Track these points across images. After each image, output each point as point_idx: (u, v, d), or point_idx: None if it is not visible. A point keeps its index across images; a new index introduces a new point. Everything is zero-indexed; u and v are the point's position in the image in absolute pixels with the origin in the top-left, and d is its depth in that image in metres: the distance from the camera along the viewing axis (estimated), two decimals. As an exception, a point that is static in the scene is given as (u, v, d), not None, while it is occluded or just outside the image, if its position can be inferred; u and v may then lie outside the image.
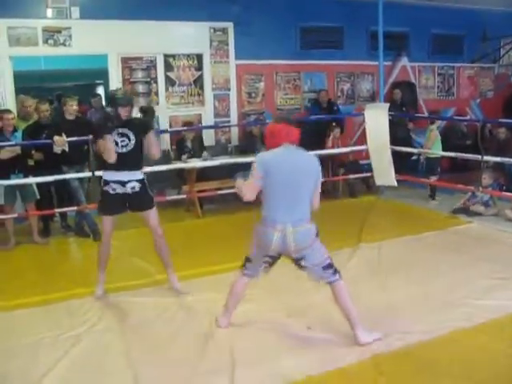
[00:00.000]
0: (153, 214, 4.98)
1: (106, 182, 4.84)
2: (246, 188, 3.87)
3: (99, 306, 4.82)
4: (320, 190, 3.98)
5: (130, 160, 4.81)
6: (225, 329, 4.20)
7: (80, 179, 7.05)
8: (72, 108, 6.91)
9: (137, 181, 4.84)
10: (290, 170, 3.78)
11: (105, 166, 4.85)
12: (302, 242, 3.79)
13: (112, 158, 4.73)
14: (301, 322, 4.25)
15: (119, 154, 4.76)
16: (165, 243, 5.04)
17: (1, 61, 8.00)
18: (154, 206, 4.99)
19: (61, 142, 6.59)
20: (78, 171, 6.98)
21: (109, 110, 4.83)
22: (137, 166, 4.88)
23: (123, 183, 4.79)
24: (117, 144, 4.76)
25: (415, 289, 4.90)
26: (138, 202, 4.90)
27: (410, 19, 10.29)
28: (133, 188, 4.82)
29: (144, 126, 4.93)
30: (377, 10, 8.38)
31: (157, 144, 5.10)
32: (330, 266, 3.90)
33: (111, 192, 4.81)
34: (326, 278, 3.91)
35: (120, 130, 4.78)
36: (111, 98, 4.92)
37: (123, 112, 4.79)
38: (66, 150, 6.69)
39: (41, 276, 5.72)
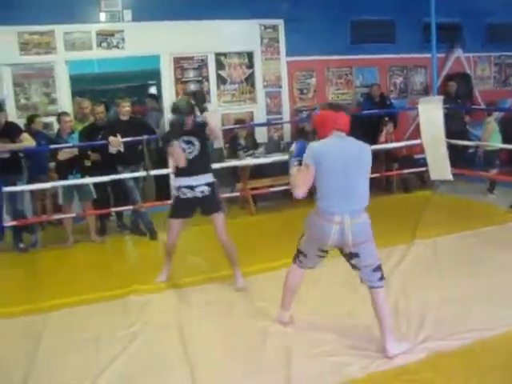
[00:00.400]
0: (219, 218, 5.09)
1: (178, 188, 5.04)
2: (299, 180, 3.76)
3: (156, 302, 4.90)
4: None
5: (198, 165, 4.98)
6: (285, 324, 4.18)
7: (135, 179, 7.16)
8: (124, 109, 7.02)
9: (206, 184, 5.01)
10: (342, 157, 3.64)
11: (176, 172, 5.08)
12: (360, 236, 3.67)
13: (182, 163, 4.95)
14: (360, 320, 4.21)
15: (187, 161, 4.95)
16: (232, 247, 5.13)
17: (57, 65, 8.23)
18: (221, 209, 5.11)
19: (116, 143, 6.72)
20: (133, 171, 7.09)
21: (174, 117, 4.94)
22: (205, 170, 5.05)
23: (192, 188, 4.97)
24: (184, 151, 4.95)
25: (473, 286, 4.77)
26: (206, 205, 5.07)
27: (463, 9, 10.03)
28: (202, 192, 4.99)
29: (203, 125, 4.99)
30: (429, 1, 8.22)
31: (216, 127, 5.12)
32: (379, 268, 3.78)
33: (182, 197, 5.01)
34: (372, 281, 3.76)
35: (185, 138, 4.95)
36: (175, 109, 4.98)
37: (188, 120, 4.92)
38: (122, 150, 6.81)
39: (98, 274, 5.85)
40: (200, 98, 5.23)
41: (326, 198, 3.70)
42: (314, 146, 3.75)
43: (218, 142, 5.14)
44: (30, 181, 7.39)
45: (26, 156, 7.28)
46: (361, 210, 3.70)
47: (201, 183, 4.98)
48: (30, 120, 7.68)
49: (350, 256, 3.79)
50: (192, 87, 8.97)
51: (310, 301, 4.55)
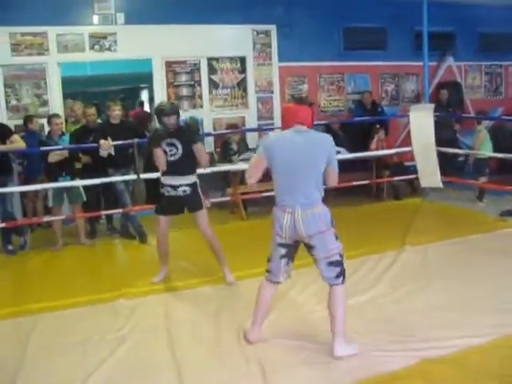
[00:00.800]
0: (201, 215, 5.30)
1: (162, 185, 5.30)
2: (250, 169, 3.91)
3: (146, 305, 4.88)
4: (336, 169, 3.82)
5: (180, 167, 5.19)
6: (250, 342, 4.00)
7: (125, 182, 7.14)
8: (115, 113, 6.98)
9: (187, 185, 5.22)
10: (292, 151, 3.69)
11: (162, 171, 5.27)
12: (312, 226, 3.67)
13: (161, 167, 5.22)
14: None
15: (169, 162, 5.19)
16: (216, 242, 5.34)
17: (50, 67, 8.21)
18: (202, 207, 5.30)
19: (106, 146, 6.70)
20: (123, 174, 7.07)
21: (156, 126, 5.21)
22: (187, 172, 5.24)
23: (175, 187, 5.21)
24: (166, 153, 5.15)
25: (462, 292, 4.78)
26: (189, 203, 5.29)
27: (455, 18, 10.11)
28: (184, 191, 5.20)
29: (190, 137, 5.21)
30: (421, 9, 8.26)
31: (205, 155, 5.37)
32: (337, 263, 3.73)
33: (166, 194, 5.26)
34: (329, 278, 3.74)
35: (168, 140, 5.14)
36: (156, 111, 5.22)
37: (168, 121, 5.05)
38: (112, 153, 6.79)
39: (87, 277, 5.82)
40: (193, 129, 5.52)
41: (278, 190, 3.80)
42: (268, 137, 3.93)
43: (202, 165, 5.39)
44: (25, 182, 7.38)
45: (22, 157, 7.32)
46: (312, 202, 3.70)
47: (182, 183, 5.19)
48: (28, 120, 7.66)
49: (308, 248, 3.80)
50: (184, 91, 8.98)
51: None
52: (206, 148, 8.66)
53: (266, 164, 3.80)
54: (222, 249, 5.35)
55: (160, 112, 5.10)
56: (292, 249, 3.86)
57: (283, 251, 3.84)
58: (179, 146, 5.13)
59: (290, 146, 3.72)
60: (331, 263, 3.73)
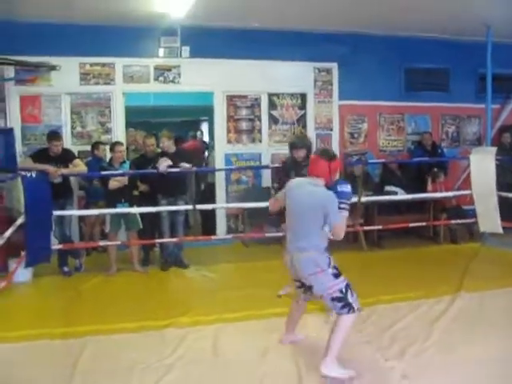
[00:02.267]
0: None
1: None
2: (270, 201, 4.60)
3: (195, 336, 4.86)
4: (338, 222, 3.95)
5: None
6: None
7: (178, 211, 7.25)
8: (165, 144, 7.24)
9: None
10: (298, 200, 4.09)
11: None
12: (305, 269, 4.01)
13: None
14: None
15: None
16: None
17: (115, 97, 8.47)
18: None
19: (164, 162, 6.83)
20: (172, 203, 7.20)
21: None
22: None
23: None
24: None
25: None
26: None
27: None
28: None
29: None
30: (485, 51, 8.18)
31: None
32: (339, 299, 3.96)
33: None
34: (336, 308, 4.00)
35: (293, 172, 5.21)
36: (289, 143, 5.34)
37: (297, 154, 5.15)
38: (165, 173, 6.91)
39: (139, 303, 5.86)
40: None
41: (287, 233, 4.24)
42: (292, 181, 4.34)
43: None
44: (86, 206, 7.57)
45: (84, 181, 7.64)
46: (307, 247, 4.01)
47: None
48: (95, 147, 7.91)
49: (307, 288, 4.14)
50: (244, 126, 9.08)
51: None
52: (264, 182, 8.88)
53: (283, 202, 4.27)
54: None
55: (290, 145, 5.22)
56: (302, 284, 4.20)
57: (297, 284, 4.27)
58: None
59: (302, 193, 4.10)
60: (333, 299, 4.00)
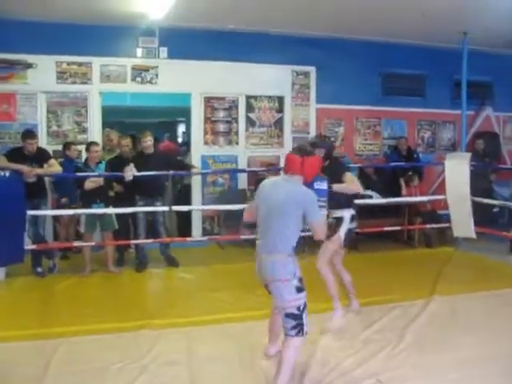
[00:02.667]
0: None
1: None
2: (246, 213, 4.28)
3: (169, 338, 4.84)
4: (318, 222, 3.86)
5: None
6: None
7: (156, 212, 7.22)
8: (146, 144, 7.23)
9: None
10: (272, 199, 3.82)
11: None
12: (270, 273, 3.78)
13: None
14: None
15: None
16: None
17: (91, 96, 8.40)
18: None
19: (129, 170, 6.82)
20: (151, 204, 7.17)
21: None
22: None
23: None
24: None
25: (488, 348, 4.63)
26: None
27: (494, 68, 10.08)
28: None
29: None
30: (461, 58, 8.29)
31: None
32: (293, 316, 3.73)
33: None
34: (286, 328, 3.78)
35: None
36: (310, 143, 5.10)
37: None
38: (131, 178, 6.90)
39: (113, 304, 5.82)
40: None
41: (258, 235, 3.98)
42: (264, 182, 4.12)
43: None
44: (60, 207, 7.50)
45: (57, 182, 7.55)
46: (276, 250, 3.77)
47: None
48: (66, 147, 7.82)
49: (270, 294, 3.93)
50: (221, 128, 9.07)
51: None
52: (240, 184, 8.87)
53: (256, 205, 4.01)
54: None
55: (310, 144, 5.03)
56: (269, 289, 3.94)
57: (266, 289, 3.98)
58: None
59: (277, 191, 3.86)
60: (287, 315, 3.76)
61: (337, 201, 5.01)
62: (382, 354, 4.47)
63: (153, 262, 7.42)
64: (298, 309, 3.73)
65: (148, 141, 7.24)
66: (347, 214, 5.23)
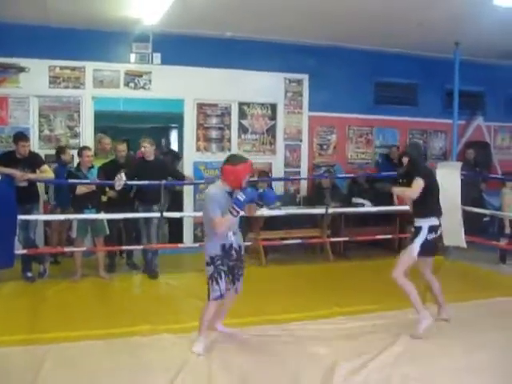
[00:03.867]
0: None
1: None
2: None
3: (160, 344, 4.82)
4: (213, 218, 4.41)
5: None
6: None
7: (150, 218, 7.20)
8: (146, 149, 7.23)
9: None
10: None
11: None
12: None
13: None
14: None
15: None
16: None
17: (84, 101, 8.39)
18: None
19: (120, 179, 6.80)
20: (149, 210, 7.15)
21: None
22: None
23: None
24: None
25: (479, 357, 4.63)
26: None
27: (486, 78, 10.19)
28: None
29: None
30: (453, 68, 8.35)
31: None
32: (209, 281, 4.61)
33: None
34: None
35: None
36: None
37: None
38: (119, 188, 6.89)
39: (103, 310, 5.80)
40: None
41: None
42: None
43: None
44: (52, 211, 7.46)
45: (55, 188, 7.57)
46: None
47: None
48: (61, 151, 7.78)
49: None
50: (214, 134, 9.07)
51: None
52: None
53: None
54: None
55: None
56: None
57: None
58: None
59: None
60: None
61: (417, 210, 5.26)
62: (372, 363, 4.46)
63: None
64: (209, 276, 4.62)
65: (146, 146, 7.24)
66: (425, 224, 5.20)
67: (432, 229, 5.23)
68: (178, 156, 10.59)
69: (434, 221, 5.26)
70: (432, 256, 5.53)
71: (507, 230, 8.23)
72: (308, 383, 4.06)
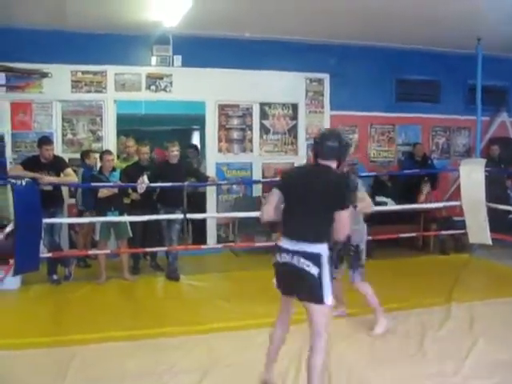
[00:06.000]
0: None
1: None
2: None
3: (186, 346, 4.85)
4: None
5: None
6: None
7: (174, 220, 7.20)
8: (173, 153, 7.24)
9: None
10: None
11: None
12: None
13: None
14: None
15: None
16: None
17: (106, 105, 8.46)
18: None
19: (142, 182, 6.82)
20: (172, 212, 7.17)
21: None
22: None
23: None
24: None
25: (506, 356, 4.59)
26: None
27: (509, 73, 10.06)
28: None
29: None
30: (475, 63, 8.26)
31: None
32: None
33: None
34: None
35: None
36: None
37: None
38: (142, 191, 6.90)
39: (129, 312, 5.85)
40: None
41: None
42: None
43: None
44: (78, 214, 7.53)
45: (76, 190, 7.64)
46: None
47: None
48: (85, 155, 7.84)
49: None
50: (235, 135, 9.09)
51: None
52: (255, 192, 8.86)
53: None
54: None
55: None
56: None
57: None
58: None
59: None
60: None
61: None
62: (401, 361, 4.44)
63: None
64: None
65: (175, 150, 7.27)
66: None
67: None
68: (197, 149, 10.76)
69: None
70: None
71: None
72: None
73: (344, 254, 4.37)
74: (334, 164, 3.66)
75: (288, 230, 3.65)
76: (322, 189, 3.52)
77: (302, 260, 3.47)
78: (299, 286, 3.55)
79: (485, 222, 7.52)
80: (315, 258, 3.45)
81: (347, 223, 3.47)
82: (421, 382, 4.08)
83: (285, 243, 3.61)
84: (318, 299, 3.47)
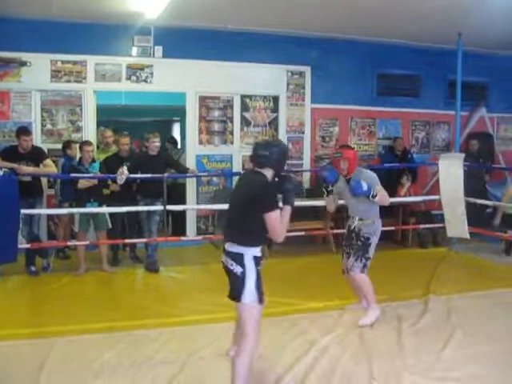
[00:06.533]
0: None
1: None
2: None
3: (164, 337, 4.85)
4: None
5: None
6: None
7: (154, 212, 7.19)
8: (154, 144, 7.22)
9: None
10: None
11: None
12: None
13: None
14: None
15: None
16: None
17: (86, 95, 8.38)
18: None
19: (122, 173, 6.76)
20: (152, 204, 7.14)
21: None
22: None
23: None
24: None
25: (483, 347, 4.66)
26: None
27: (489, 69, 10.14)
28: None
29: None
30: (456, 59, 8.32)
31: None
32: None
33: None
34: None
35: None
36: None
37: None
38: (121, 182, 6.85)
39: (108, 304, 5.81)
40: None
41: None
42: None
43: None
44: (58, 206, 7.47)
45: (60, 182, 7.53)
46: None
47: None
48: (67, 146, 7.75)
49: None
50: (216, 127, 9.07)
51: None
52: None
53: None
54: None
55: None
56: None
57: None
58: None
59: None
60: None
61: None
62: (378, 353, 4.48)
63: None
64: None
65: (157, 141, 7.25)
66: None
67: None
68: (176, 142, 10.91)
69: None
70: None
71: (497, 221, 8.22)
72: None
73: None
74: (268, 172, 3.76)
75: (225, 232, 3.89)
76: (246, 193, 3.73)
77: (230, 260, 3.72)
78: (230, 285, 3.75)
79: (463, 216, 7.63)
80: (239, 258, 3.66)
81: (276, 224, 3.63)
82: (399, 374, 4.10)
83: (225, 245, 3.81)
84: (239, 298, 3.63)
